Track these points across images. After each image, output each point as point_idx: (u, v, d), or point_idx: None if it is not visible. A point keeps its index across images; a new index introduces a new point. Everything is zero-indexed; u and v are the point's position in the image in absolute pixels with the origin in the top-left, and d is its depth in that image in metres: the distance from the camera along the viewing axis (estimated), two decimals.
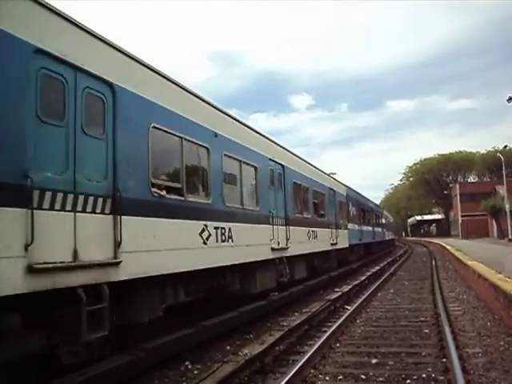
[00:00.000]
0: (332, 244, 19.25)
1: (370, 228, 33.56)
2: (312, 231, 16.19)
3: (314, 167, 18.60)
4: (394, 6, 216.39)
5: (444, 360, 7.25)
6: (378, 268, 23.74)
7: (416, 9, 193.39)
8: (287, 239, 13.21)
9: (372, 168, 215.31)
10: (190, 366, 7.59)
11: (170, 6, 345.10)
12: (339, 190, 22.76)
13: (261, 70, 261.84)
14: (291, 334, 8.93)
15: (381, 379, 6.63)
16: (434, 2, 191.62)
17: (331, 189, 20.71)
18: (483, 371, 6.75)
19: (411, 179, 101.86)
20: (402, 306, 12.87)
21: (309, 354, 7.36)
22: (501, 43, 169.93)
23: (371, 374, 6.85)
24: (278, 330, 8.99)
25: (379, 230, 39.65)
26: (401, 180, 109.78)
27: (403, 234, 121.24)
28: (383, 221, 45.13)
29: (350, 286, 15.37)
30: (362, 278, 18.18)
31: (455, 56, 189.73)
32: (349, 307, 12.23)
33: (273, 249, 12.09)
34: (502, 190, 52.30)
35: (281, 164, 13.61)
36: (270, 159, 12.73)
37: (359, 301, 12.93)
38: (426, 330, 9.62)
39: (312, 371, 7.02)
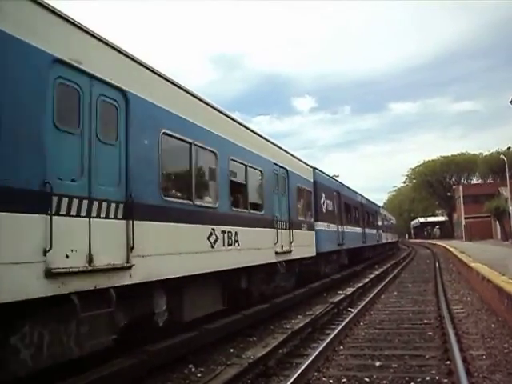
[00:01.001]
0: (280, 253, 12.38)
1: (359, 229, 26.99)
2: (225, 233, 9.36)
3: (238, 123, 11.01)
4: (396, 8, 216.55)
5: (448, 362, 7.24)
6: (381, 270, 23.67)
7: (418, 11, 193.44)
8: (130, 249, 6.35)
9: (375, 170, 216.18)
10: (193, 369, 7.58)
11: (171, 8, 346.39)
12: (299, 173, 15.50)
13: (263, 72, 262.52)
14: (295, 336, 8.91)
15: (385, 382, 6.62)
16: (435, 2, 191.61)
17: (280, 166, 13.34)
18: (487, 374, 6.74)
19: (414, 181, 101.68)
20: (406, 309, 12.84)
21: (312, 357, 7.35)
22: (503, 45, 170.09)
23: (375, 376, 6.84)
24: (281, 332, 8.97)
25: (373, 231, 32.92)
26: (404, 182, 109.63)
27: (406, 236, 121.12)
28: (379, 221, 38.40)
29: (353, 289, 15.33)
30: (366, 281, 18.12)
31: (458, 58, 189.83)
32: (352, 310, 12.21)
33: (51, 273, 5.13)
34: (506, 192, 52.12)
35: (115, 87, 6.43)
36: (59, 60, 5.55)
37: (363, 303, 12.91)
38: (430, 333, 9.60)
39: (316, 374, 7.02)
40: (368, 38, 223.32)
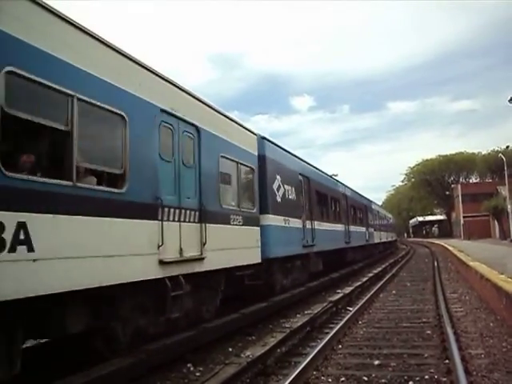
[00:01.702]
0: (172, 262, 7.62)
1: (340, 227, 21.92)
2: None
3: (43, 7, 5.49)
4: (395, 7, 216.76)
5: (446, 361, 7.23)
6: (379, 269, 23.67)
7: (416, 10, 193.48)
8: None
9: (374, 169, 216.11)
10: (191, 368, 7.57)
11: (170, 8, 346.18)
12: (228, 138, 10.27)
13: (262, 71, 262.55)
14: (293, 335, 8.91)
15: (383, 381, 6.61)
16: (434, 2, 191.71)
17: (180, 119, 8.32)
18: (486, 372, 6.73)
19: (413, 180, 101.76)
20: (404, 307, 12.84)
21: (311, 356, 7.33)
22: (502, 44, 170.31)
23: (374, 375, 6.83)
24: (280, 331, 8.97)
25: (361, 230, 28.47)
26: (402, 181, 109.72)
27: (405, 235, 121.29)
28: (371, 218, 33.71)
29: (351, 288, 15.32)
30: (364, 280, 18.13)
31: (456, 57, 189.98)
32: (351, 308, 12.19)
33: None
34: (504, 191, 52.15)
35: None
36: None
37: (361, 302, 12.90)
38: (429, 331, 9.60)
39: (314, 373, 7.01)
40: (366, 37, 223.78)
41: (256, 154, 11.94)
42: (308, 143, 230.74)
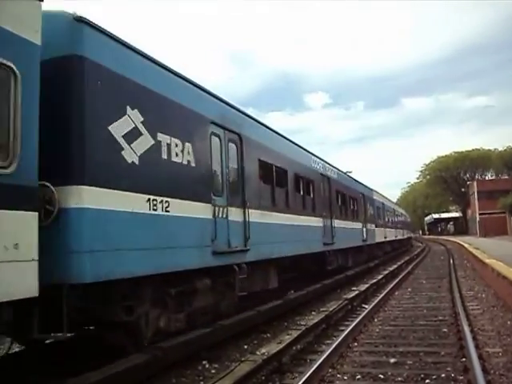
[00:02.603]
0: None
1: (315, 221, 15.48)
2: None
3: None
4: (409, 4, 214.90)
5: (463, 359, 7.15)
6: (395, 267, 23.53)
7: (432, 6, 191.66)
8: None
9: (388, 166, 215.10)
10: (207, 366, 7.58)
11: (187, 8, 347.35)
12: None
13: (276, 69, 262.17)
14: (309, 333, 8.88)
15: (399, 379, 6.57)
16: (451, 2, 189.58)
17: None
18: (504, 371, 6.64)
19: (428, 177, 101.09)
20: (420, 305, 12.74)
21: (326, 354, 7.30)
22: None
23: (390, 373, 6.79)
24: (295, 329, 8.93)
25: (355, 226, 22.15)
26: (418, 178, 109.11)
27: (420, 232, 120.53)
28: (372, 211, 27.26)
29: (367, 285, 15.24)
30: (379, 277, 18.01)
31: (472, 53, 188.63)
32: (366, 306, 12.14)
33: None
34: None
35: None
36: None
37: (377, 299, 12.84)
38: (445, 329, 9.51)
39: (330, 371, 6.98)
40: (380, 35, 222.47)
41: (29, 39, 4.98)
42: (323, 140, 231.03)
